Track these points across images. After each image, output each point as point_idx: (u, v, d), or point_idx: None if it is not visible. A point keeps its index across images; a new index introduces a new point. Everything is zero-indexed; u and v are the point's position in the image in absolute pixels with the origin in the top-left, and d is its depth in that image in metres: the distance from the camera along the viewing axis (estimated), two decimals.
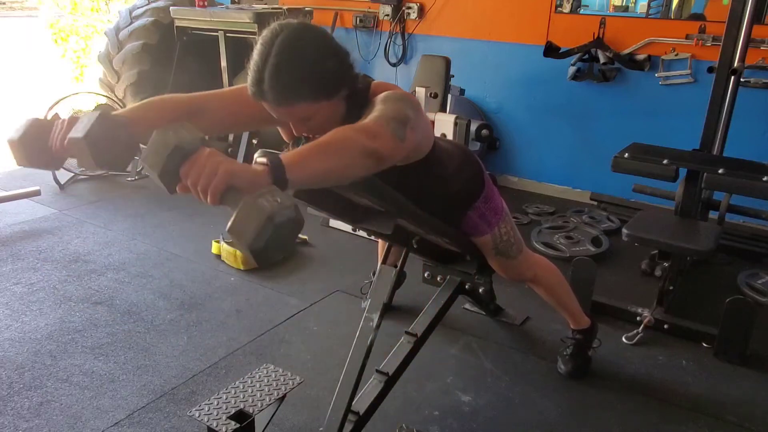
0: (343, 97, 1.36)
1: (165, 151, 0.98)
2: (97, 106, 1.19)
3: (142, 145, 1.08)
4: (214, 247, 3.06)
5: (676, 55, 3.50)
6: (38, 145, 1.23)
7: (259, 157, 1.06)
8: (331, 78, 1.31)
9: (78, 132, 1.09)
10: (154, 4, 4.43)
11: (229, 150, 4.13)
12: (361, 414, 1.69)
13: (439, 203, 1.69)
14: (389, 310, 1.76)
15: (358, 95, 1.40)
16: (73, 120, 1.18)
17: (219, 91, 1.52)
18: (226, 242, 2.94)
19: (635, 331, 2.41)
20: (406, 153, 1.31)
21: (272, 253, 0.97)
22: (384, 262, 1.90)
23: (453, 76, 3.62)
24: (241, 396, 1.69)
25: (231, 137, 4.19)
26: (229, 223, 0.95)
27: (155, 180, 1.01)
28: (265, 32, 1.29)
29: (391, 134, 1.22)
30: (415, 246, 1.73)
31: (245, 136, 4.03)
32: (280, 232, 0.94)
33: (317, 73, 1.28)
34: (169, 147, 0.98)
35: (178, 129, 1.00)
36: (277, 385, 1.74)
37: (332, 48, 1.33)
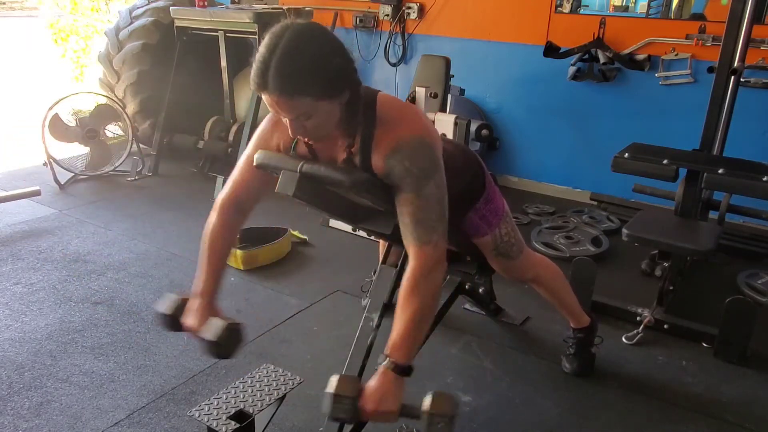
0: (344, 101, 1.36)
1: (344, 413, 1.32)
2: (223, 329, 1.44)
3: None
4: None
5: (676, 55, 3.50)
6: (176, 321, 1.52)
7: (381, 362, 1.35)
8: (336, 77, 1.31)
9: (210, 335, 1.41)
10: (154, 4, 4.43)
11: (229, 150, 4.13)
12: None
13: None
14: (389, 309, 1.76)
15: (358, 102, 1.39)
16: (202, 311, 1.49)
17: (241, 176, 1.60)
18: None
19: (635, 331, 2.41)
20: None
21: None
22: (384, 262, 1.90)
23: (453, 76, 3.62)
24: (241, 396, 1.69)
25: (231, 137, 4.19)
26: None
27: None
28: (274, 28, 1.30)
29: (442, 233, 1.40)
30: None
31: (245, 136, 4.02)
32: (444, 399, 1.34)
33: (323, 69, 1.28)
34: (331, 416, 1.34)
35: (339, 383, 1.32)
36: (277, 385, 1.74)
37: (338, 48, 1.33)
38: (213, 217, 1.58)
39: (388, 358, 1.34)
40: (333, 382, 1.31)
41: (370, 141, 1.40)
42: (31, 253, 3.05)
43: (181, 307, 1.51)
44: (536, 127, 4.11)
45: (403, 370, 1.33)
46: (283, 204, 1.87)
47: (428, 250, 1.37)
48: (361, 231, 1.81)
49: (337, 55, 1.32)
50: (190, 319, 1.48)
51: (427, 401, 1.29)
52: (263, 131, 1.56)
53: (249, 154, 1.55)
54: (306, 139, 1.40)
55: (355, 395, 1.30)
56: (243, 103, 4.34)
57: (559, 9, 3.82)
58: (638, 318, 2.46)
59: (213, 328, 1.41)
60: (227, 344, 1.41)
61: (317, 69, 1.27)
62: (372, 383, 1.33)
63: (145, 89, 4.37)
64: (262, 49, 1.28)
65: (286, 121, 1.34)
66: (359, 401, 1.30)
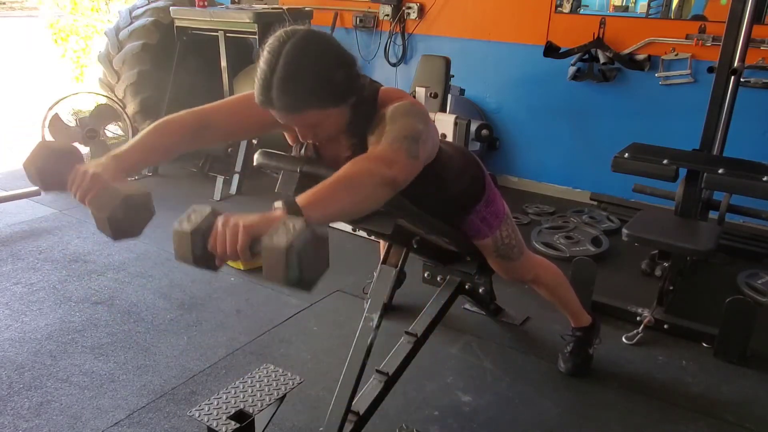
0: (351, 104, 1.36)
1: (186, 241, 1.07)
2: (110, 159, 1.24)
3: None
4: None
5: (676, 55, 3.50)
6: (55, 173, 1.27)
7: (277, 203, 1.09)
8: (339, 87, 1.31)
9: (101, 210, 1.19)
10: (154, 4, 4.43)
11: (229, 150, 4.13)
12: (361, 414, 1.69)
13: (440, 206, 1.69)
14: (389, 310, 1.76)
15: (365, 103, 1.40)
16: (96, 179, 1.22)
17: (222, 103, 1.51)
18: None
19: (635, 331, 2.41)
20: (420, 168, 1.32)
21: (311, 276, 1.01)
22: (384, 262, 1.90)
23: (453, 76, 3.62)
24: (241, 396, 1.69)
25: None
26: (263, 271, 1.00)
27: (197, 268, 1.13)
28: (271, 40, 1.29)
29: (406, 156, 1.24)
30: (415, 246, 1.73)
31: None
32: (306, 255, 0.98)
33: (325, 81, 1.28)
34: (188, 235, 1.06)
35: (189, 215, 1.08)
36: (277, 385, 1.74)
37: (340, 56, 1.33)
38: (158, 129, 1.42)
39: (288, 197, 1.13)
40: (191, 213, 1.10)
41: (367, 130, 1.40)
42: (31, 253, 3.05)
43: (58, 159, 1.26)
44: (536, 127, 4.11)
45: (294, 209, 1.06)
46: None
47: (386, 150, 1.24)
48: (361, 231, 1.81)
49: (339, 64, 1.31)
50: (78, 183, 1.23)
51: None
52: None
53: (249, 95, 1.42)
54: (317, 142, 1.40)
55: (208, 225, 1.08)
56: None
57: (559, 9, 3.82)
58: (638, 318, 2.46)
59: (108, 201, 1.18)
60: (125, 220, 1.20)
61: (319, 82, 1.27)
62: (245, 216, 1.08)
63: (145, 89, 4.37)
64: (262, 65, 1.27)
65: (298, 134, 1.35)
66: (214, 231, 1.07)
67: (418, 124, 1.32)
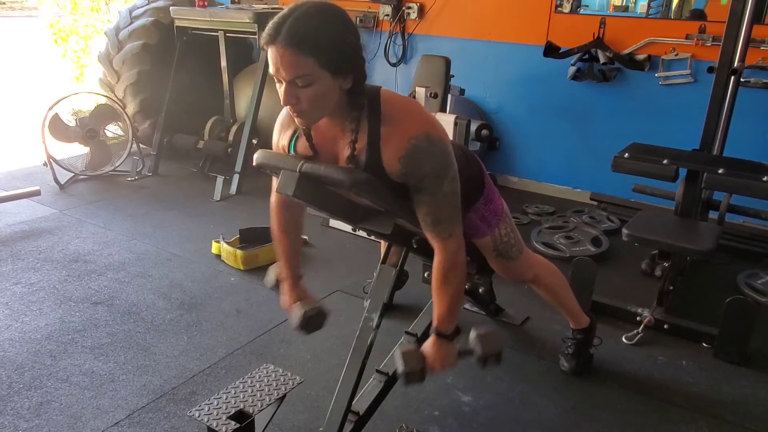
0: (346, 86, 1.34)
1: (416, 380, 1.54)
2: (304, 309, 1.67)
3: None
4: (214, 247, 3.06)
5: (676, 55, 3.50)
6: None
7: (434, 336, 1.57)
8: (345, 53, 1.31)
9: (296, 324, 1.67)
10: (154, 4, 4.43)
11: (229, 150, 4.13)
12: (361, 414, 1.69)
13: None
14: (389, 309, 1.76)
15: (360, 93, 1.38)
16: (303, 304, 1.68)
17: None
18: None
19: (635, 331, 2.41)
20: None
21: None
22: (384, 262, 1.90)
23: (453, 76, 3.62)
24: (241, 396, 1.69)
25: (231, 137, 4.20)
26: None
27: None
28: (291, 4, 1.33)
29: (459, 221, 1.50)
30: (415, 246, 1.73)
31: (245, 136, 4.03)
32: (490, 338, 1.56)
33: (334, 39, 1.29)
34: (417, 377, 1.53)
35: (405, 361, 1.52)
36: (277, 385, 1.74)
37: (355, 32, 1.35)
38: (272, 220, 1.72)
39: (437, 329, 1.55)
40: (399, 359, 1.51)
41: (377, 139, 1.39)
42: (31, 253, 3.05)
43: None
44: (536, 127, 4.11)
45: (450, 336, 1.56)
46: None
47: (450, 242, 1.49)
48: (361, 231, 1.81)
49: (352, 36, 1.33)
50: (283, 299, 1.72)
51: (473, 341, 1.54)
52: (276, 132, 1.59)
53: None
54: (296, 115, 1.35)
55: (422, 366, 1.52)
56: (243, 103, 4.34)
57: (559, 9, 3.82)
58: (638, 318, 2.46)
59: (296, 316, 1.66)
60: (310, 327, 1.67)
61: (329, 37, 1.28)
62: (430, 349, 1.55)
63: (145, 89, 4.37)
64: (283, 11, 1.30)
65: (281, 91, 1.31)
66: (426, 369, 1.53)
67: (457, 187, 1.47)
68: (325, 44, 1.27)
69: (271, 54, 1.29)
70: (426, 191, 1.43)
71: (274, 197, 1.66)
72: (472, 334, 1.54)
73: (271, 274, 1.78)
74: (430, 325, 1.87)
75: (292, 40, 1.25)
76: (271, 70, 1.31)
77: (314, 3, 1.30)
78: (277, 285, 1.76)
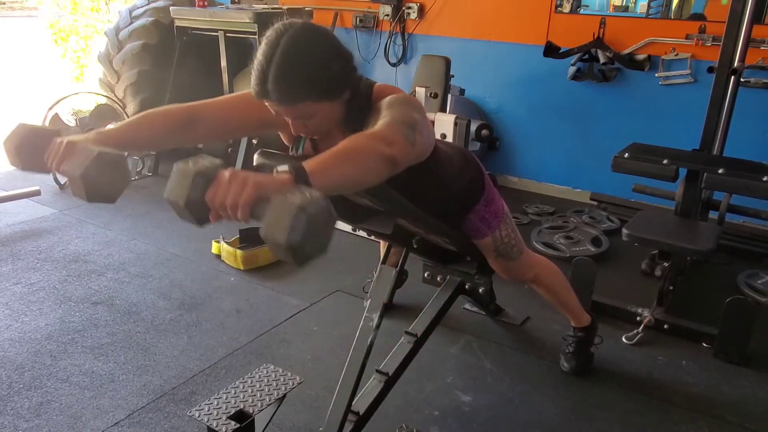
0: (346, 99, 1.37)
1: (187, 180, 1.00)
2: (95, 140, 1.22)
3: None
4: (214, 247, 3.06)
5: (676, 55, 3.50)
6: (34, 152, 1.27)
7: (281, 167, 1.07)
8: (335, 79, 1.32)
9: (75, 169, 1.14)
10: (154, 4, 4.43)
11: (229, 150, 4.13)
12: (361, 414, 1.69)
13: (439, 206, 1.69)
14: (389, 309, 1.76)
15: (359, 98, 1.41)
16: (71, 146, 1.21)
17: (215, 100, 1.51)
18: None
19: (635, 331, 2.41)
20: (416, 156, 1.32)
21: (309, 249, 0.97)
22: (384, 262, 1.90)
23: (453, 76, 3.62)
24: (241, 396, 1.69)
25: None
26: (263, 226, 0.95)
27: (183, 215, 1.04)
28: (269, 32, 1.30)
29: (404, 139, 1.24)
30: (415, 246, 1.73)
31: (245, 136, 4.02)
32: (315, 224, 0.94)
33: (321, 73, 1.28)
34: (190, 175, 1.00)
35: (196, 159, 1.03)
36: (277, 385, 1.74)
37: (336, 49, 1.33)
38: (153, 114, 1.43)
39: (303, 162, 1.09)
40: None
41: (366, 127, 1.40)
42: (31, 253, 3.05)
43: (37, 137, 1.25)
44: (536, 127, 4.11)
45: (300, 174, 1.05)
46: None
47: (384, 130, 1.24)
48: (361, 231, 1.81)
49: (335, 57, 1.32)
50: (55, 152, 1.23)
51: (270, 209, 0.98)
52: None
53: (244, 94, 1.46)
54: (309, 137, 1.40)
55: (210, 171, 1.02)
56: None
57: (559, 9, 3.82)
58: (638, 318, 2.46)
59: (82, 158, 1.14)
60: (99, 179, 1.14)
61: (316, 74, 1.27)
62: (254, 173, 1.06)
63: (145, 89, 4.37)
64: (259, 57, 1.28)
65: (288, 119, 1.35)
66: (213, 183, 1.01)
67: (414, 114, 1.33)
68: (314, 84, 1.27)
69: (266, 103, 1.30)
70: (383, 110, 1.32)
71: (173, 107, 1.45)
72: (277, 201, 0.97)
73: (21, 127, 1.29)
74: (431, 323, 1.88)
75: (280, 96, 1.26)
76: (271, 110, 1.33)
77: (287, 40, 1.26)
78: (29, 143, 1.26)
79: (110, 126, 1.36)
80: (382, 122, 1.27)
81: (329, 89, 1.31)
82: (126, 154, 1.24)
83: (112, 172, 1.17)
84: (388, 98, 1.37)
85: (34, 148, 1.26)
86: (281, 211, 0.93)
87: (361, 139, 1.20)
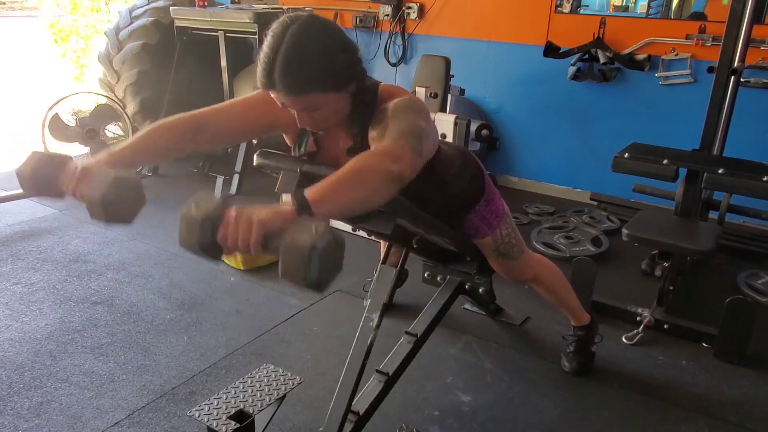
0: (351, 91, 1.37)
1: (195, 227, 1.05)
2: (115, 177, 1.21)
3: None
4: None
5: (676, 55, 3.50)
6: (48, 179, 1.29)
7: (285, 197, 1.09)
8: (341, 71, 1.32)
9: (93, 193, 1.18)
10: (154, 4, 4.43)
11: (229, 150, 4.13)
12: (361, 414, 1.69)
13: (440, 206, 1.69)
14: (389, 309, 1.76)
15: (365, 93, 1.40)
16: (86, 171, 1.23)
17: (219, 105, 1.52)
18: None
19: (635, 331, 2.41)
20: (422, 164, 1.32)
21: (326, 278, 1.05)
22: (384, 262, 1.90)
23: (453, 76, 3.62)
24: (241, 396, 1.69)
25: None
26: (280, 269, 1.02)
27: (200, 255, 1.09)
28: (275, 25, 1.30)
29: (411, 152, 1.24)
30: (415, 246, 1.73)
31: None
32: (327, 257, 1.01)
33: (327, 64, 1.29)
34: (197, 222, 1.05)
35: (198, 202, 1.07)
36: (277, 385, 1.74)
37: (342, 41, 1.34)
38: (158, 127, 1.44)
39: (304, 192, 1.10)
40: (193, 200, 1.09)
41: (368, 126, 1.40)
42: (31, 253, 3.05)
43: (51, 163, 1.27)
44: (536, 127, 4.11)
45: (302, 207, 1.07)
46: None
47: (387, 148, 1.24)
48: (361, 231, 1.81)
49: (341, 48, 1.33)
50: (70, 178, 1.24)
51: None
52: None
53: (248, 98, 1.50)
54: (315, 131, 1.39)
55: (216, 214, 1.06)
56: None
57: (559, 9, 3.81)
58: (638, 318, 2.46)
59: (99, 182, 1.18)
60: (117, 202, 1.18)
61: (322, 65, 1.28)
62: (257, 208, 1.07)
63: (145, 89, 4.37)
64: (265, 48, 1.28)
65: (294, 111, 1.34)
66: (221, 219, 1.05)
67: (420, 121, 1.33)
68: (321, 74, 1.27)
69: (272, 95, 1.30)
70: (381, 120, 1.33)
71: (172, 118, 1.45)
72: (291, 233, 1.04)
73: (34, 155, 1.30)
74: (431, 323, 1.88)
75: (287, 88, 1.26)
76: (277, 102, 1.33)
77: (294, 31, 1.27)
78: (41, 173, 1.29)
79: (118, 145, 1.37)
80: (388, 137, 1.27)
81: (335, 80, 1.31)
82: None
83: (129, 194, 1.21)
84: (393, 104, 1.36)
85: (47, 175, 1.28)
86: (292, 255, 1.00)
87: (367, 159, 1.20)
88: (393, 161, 1.19)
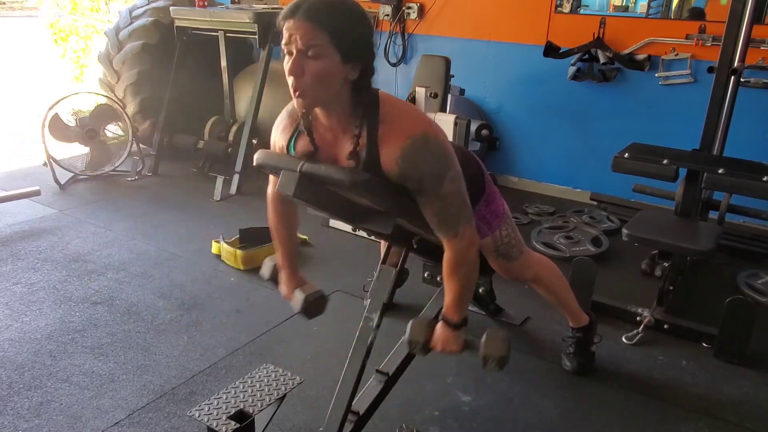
0: (353, 76, 1.34)
1: (412, 350, 1.65)
2: (307, 298, 1.73)
3: None
4: (214, 247, 3.06)
5: (676, 55, 3.50)
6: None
7: (441, 322, 1.60)
8: (357, 39, 1.33)
9: (296, 308, 1.74)
10: (154, 4, 4.43)
11: (229, 150, 4.13)
12: (361, 414, 1.69)
13: None
14: (389, 309, 1.76)
15: (364, 90, 1.38)
16: (287, 296, 1.77)
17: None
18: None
19: (635, 331, 2.41)
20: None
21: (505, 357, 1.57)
22: (384, 262, 1.90)
23: (453, 76, 3.62)
24: (241, 396, 1.69)
25: (231, 137, 4.20)
26: (482, 359, 1.57)
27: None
28: None
29: (473, 228, 1.52)
30: (415, 246, 1.73)
31: (245, 136, 4.03)
32: (509, 339, 1.58)
33: (350, 24, 1.31)
34: (417, 349, 1.63)
35: (411, 330, 1.61)
36: (277, 385, 1.74)
37: (369, 23, 1.38)
38: (269, 212, 1.74)
39: (444, 316, 1.59)
40: (408, 326, 1.61)
41: (375, 138, 1.39)
42: (31, 253, 3.05)
43: (276, 272, 1.81)
44: (536, 127, 4.11)
45: (457, 325, 1.58)
46: None
47: (458, 241, 1.49)
48: (361, 231, 1.81)
49: (367, 28, 1.36)
50: (282, 288, 1.78)
51: (482, 340, 1.56)
52: (274, 133, 1.59)
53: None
54: (297, 93, 1.33)
55: (426, 339, 1.60)
56: (243, 103, 4.34)
57: (559, 9, 3.82)
58: (638, 318, 2.46)
59: (297, 301, 1.71)
60: (312, 311, 1.73)
61: (345, 20, 1.31)
62: (438, 330, 1.59)
63: (145, 89, 4.37)
64: None
65: (287, 65, 1.31)
66: (430, 344, 1.61)
67: (460, 184, 1.46)
68: (341, 25, 1.30)
69: (286, 27, 1.30)
70: (427, 192, 1.42)
71: (270, 189, 1.69)
72: (485, 334, 1.57)
73: (266, 266, 1.82)
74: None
75: (309, 13, 1.28)
76: (283, 43, 1.32)
77: None
78: (272, 277, 1.80)
79: (282, 257, 1.77)
80: (452, 225, 1.47)
81: (348, 43, 1.30)
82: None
83: (318, 302, 1.74)
84: (415, 158, 1.37)
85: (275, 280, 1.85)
86: (491, 350, 1.56)
87: (461, 265, 1.53)
88: (472, 246, 1.52)
